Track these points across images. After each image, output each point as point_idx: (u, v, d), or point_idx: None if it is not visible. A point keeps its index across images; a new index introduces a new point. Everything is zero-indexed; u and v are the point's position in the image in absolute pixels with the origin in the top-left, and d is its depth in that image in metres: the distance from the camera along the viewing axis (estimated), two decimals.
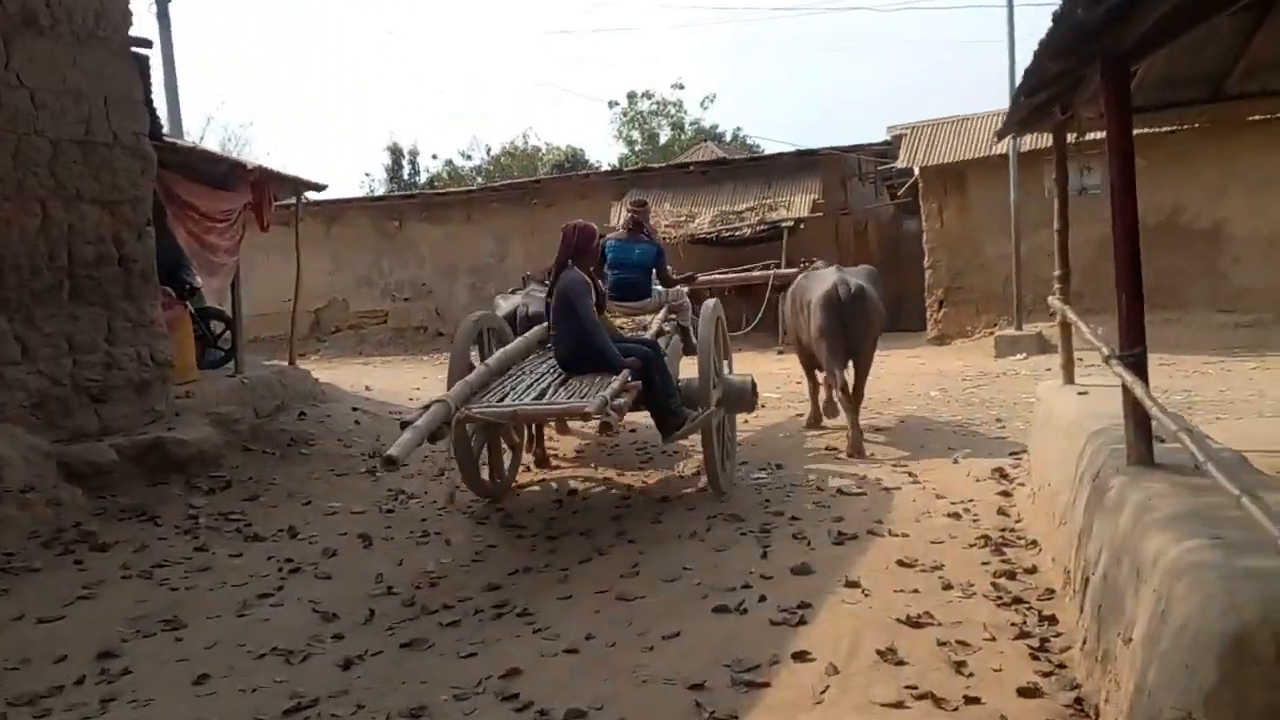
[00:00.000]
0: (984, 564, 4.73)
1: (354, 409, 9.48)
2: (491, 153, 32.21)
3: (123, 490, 6.54)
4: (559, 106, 51.91)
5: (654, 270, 8.09)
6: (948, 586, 4.43)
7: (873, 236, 17.54)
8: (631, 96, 33.71)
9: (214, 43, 55.54)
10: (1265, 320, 12.21)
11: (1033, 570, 4.59)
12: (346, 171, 73.11)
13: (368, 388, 12.17)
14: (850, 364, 7.80)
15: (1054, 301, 6.01)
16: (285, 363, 10.88)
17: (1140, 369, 3.75)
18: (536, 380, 6.25)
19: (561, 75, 61.94)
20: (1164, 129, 11.12)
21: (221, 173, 8.73)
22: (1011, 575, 4.54)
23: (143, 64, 7.37)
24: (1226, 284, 12.85)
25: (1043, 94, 4.47)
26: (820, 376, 8.32)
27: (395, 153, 30.50)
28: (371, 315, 19.38)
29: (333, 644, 4.28)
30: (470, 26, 61.71)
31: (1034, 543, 4.96)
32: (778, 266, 15.14)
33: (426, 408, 5.55)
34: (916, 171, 15.02)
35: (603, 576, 4.92)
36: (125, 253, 7.16)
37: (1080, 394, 5.63)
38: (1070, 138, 6.09)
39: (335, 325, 19.45)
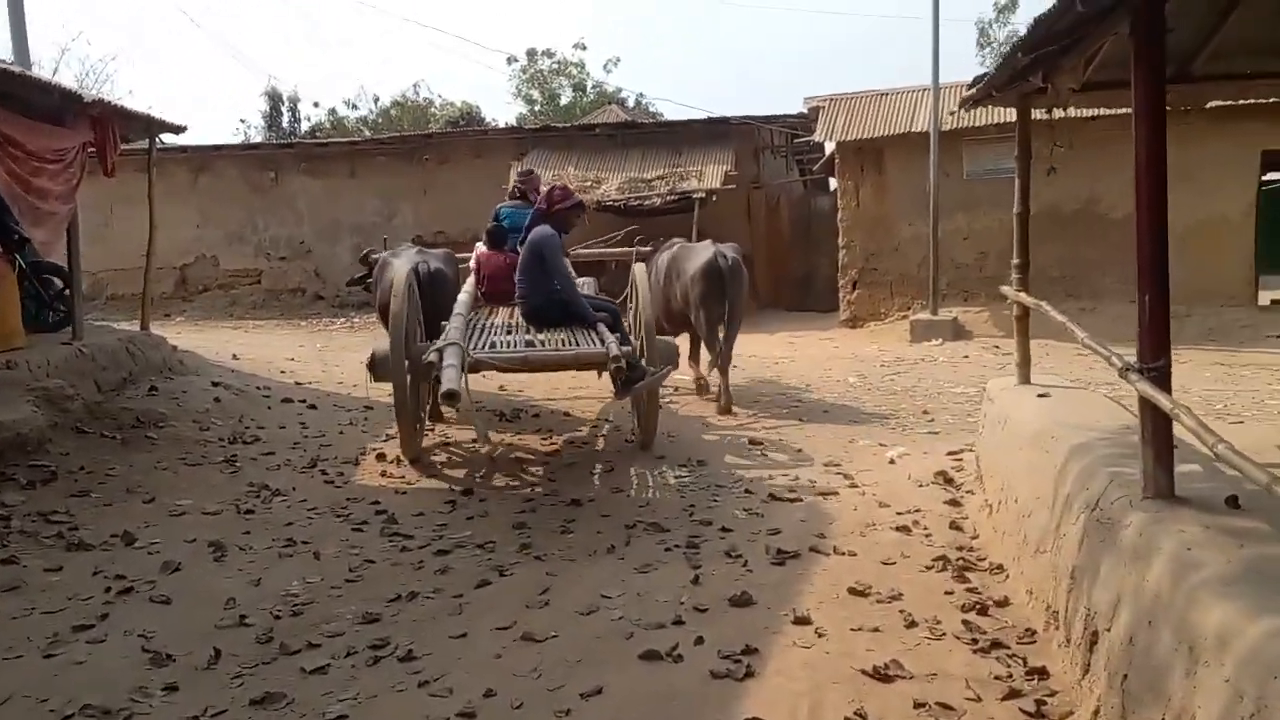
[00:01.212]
0: (947, 593, 4.12)
1: (214, 383, 8.34)
2: (380, 104, 30.41)
3: None
4: (454, 58, 49.52)
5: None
6: (912, 624, 3.79)
7: (784, 212, 17.05)
8: (531, 54, 32.43)
9: None
10: (1177, 313, 12.09)
11: (1004, 603, 4.00)
12: (220, 118, 68.83)
13: (235, 356, 10.93)
14: (723, 330, 8.24)
15: (1010, 291, 5.43)
16: (137, 327, 9.58)
17: (1165, 384, 3.14)
18: (507, 331, 6.63)
19: (458, 28, 59.25)
20: (1087, 114, 10.85)
21: (53, 105, 7.41)
22: (982, 609, 3.93)
23: None
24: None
25: (1052, 47, 3.79)
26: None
27: (274, 99, 28.35)
28: (244, 275, 17.84)
29: (162, 700, 3.39)
30: None
31: (999, 567, 4.37)
32: (687, 239, 14.41)
33: (440, 350, 5.68)
34: (832, 146, 14.49)
35: (504, 606, 4.11)
36: None
37: (1041, 396, 5.08)
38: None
39: (203, 284, 17.84)
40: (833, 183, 17.84)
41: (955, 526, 4.97)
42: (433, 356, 5.70)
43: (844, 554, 4.59)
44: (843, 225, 14.33)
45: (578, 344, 6.37)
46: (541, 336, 6.52)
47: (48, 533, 5.01)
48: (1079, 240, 12.41)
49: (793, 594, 4.14)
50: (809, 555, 4.58)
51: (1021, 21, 31.09)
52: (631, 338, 6.74)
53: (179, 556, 4.76)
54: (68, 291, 8.76)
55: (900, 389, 9.25)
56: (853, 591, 4.11)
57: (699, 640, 3.65)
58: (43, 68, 27.09)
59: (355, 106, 30.34)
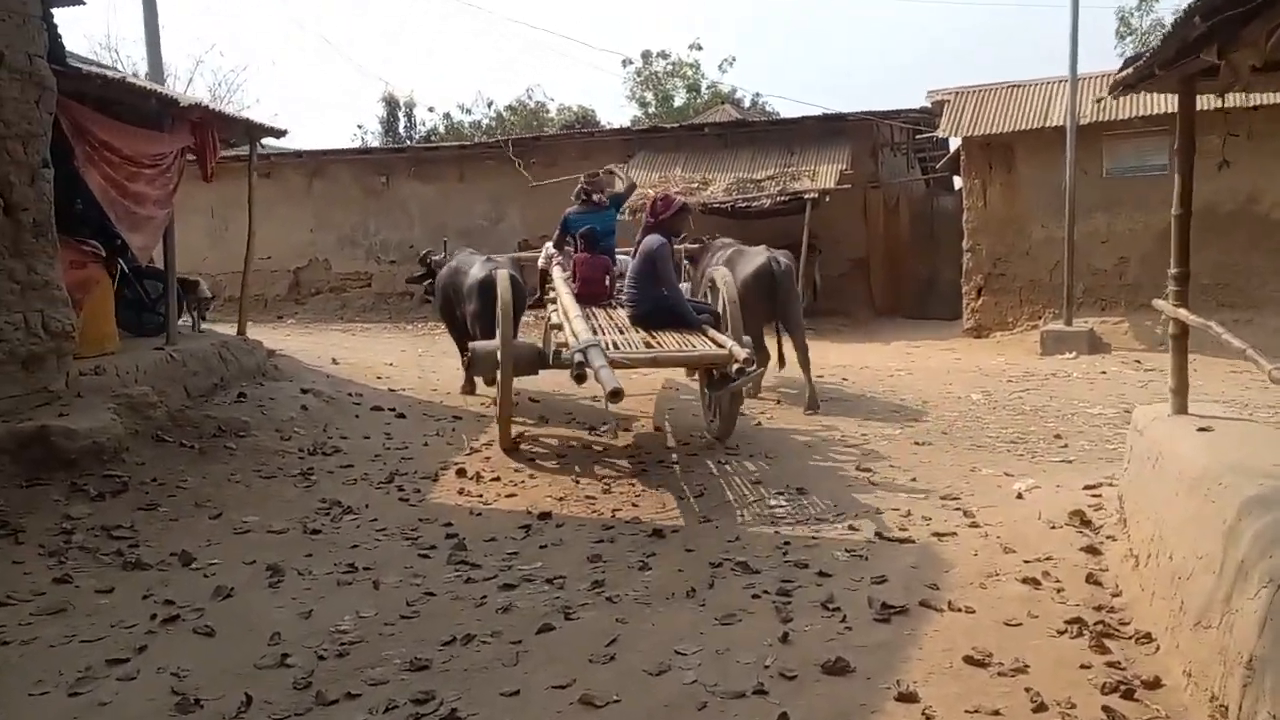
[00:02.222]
0: (1084, 667, 3.44)
1: (304, 390, 8.19)
2: (493, 108, 30.54)
3: None
4: (569, 62, 49.62)
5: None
6: (1041, 707, 3.16)
7: (904, 213, 16.15)
8: (646, 56, 32.08)
9: None
10: None
11: (1155, 685, 3.29)
12: (342, 124, 71.11)
13: (334, 361, 10.85)
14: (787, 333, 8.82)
15: (1166, 306, 4.67)
16: (235, 331, 9.57)
17: None
18: (619, 332, 6.88)
19: (574, 33, 59.51)
20: (1251, 102, 9.73)
21: (152, 110, 7.37)
22: (1128, 692, 3.24)
23: None
24: None
25: (1236, 10, 3.08)
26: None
27: (391, 105, 28.82)
28: (355, 278, 18.04)
29: None
30: None
31: (1148, 636, 3.65)
32: (801, 241, 13.77)
33: (583, 351, 5.95)
34: (958, 142, 13.58)
35: (566, 658, 3.64)
36: (13, 199, 5.85)
37: (1202, 430, 4.31)
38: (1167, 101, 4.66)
39: (316, 287, 18.13)
40: (957, 181, 16.87)
41: (1093, 580, 4.25)
42: (579, 357, 5.97)
43: (960, 610, 3.95)
44: (968, 227, 13.39)
45: (694, 345, 6.68)
46: (659, 338, 6.80)
47: (108, 549, 4.81)
48: (1235, 244, 11.20)
49: (898, 660, 3.53)
50: (919, 611, 3.96)
51: (1166, 9, 29.04)
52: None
53: (234, 580, 4.48)
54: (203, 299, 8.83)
55: (1029, 409, 8.41)
56: (970, 661, 3.48)
57: (783, 717, 3.10)
58: (178, 79, 28.35)
59: (469, 111, 30.65)
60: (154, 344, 7.81)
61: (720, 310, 7.21)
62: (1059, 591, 4.14)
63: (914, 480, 6.01)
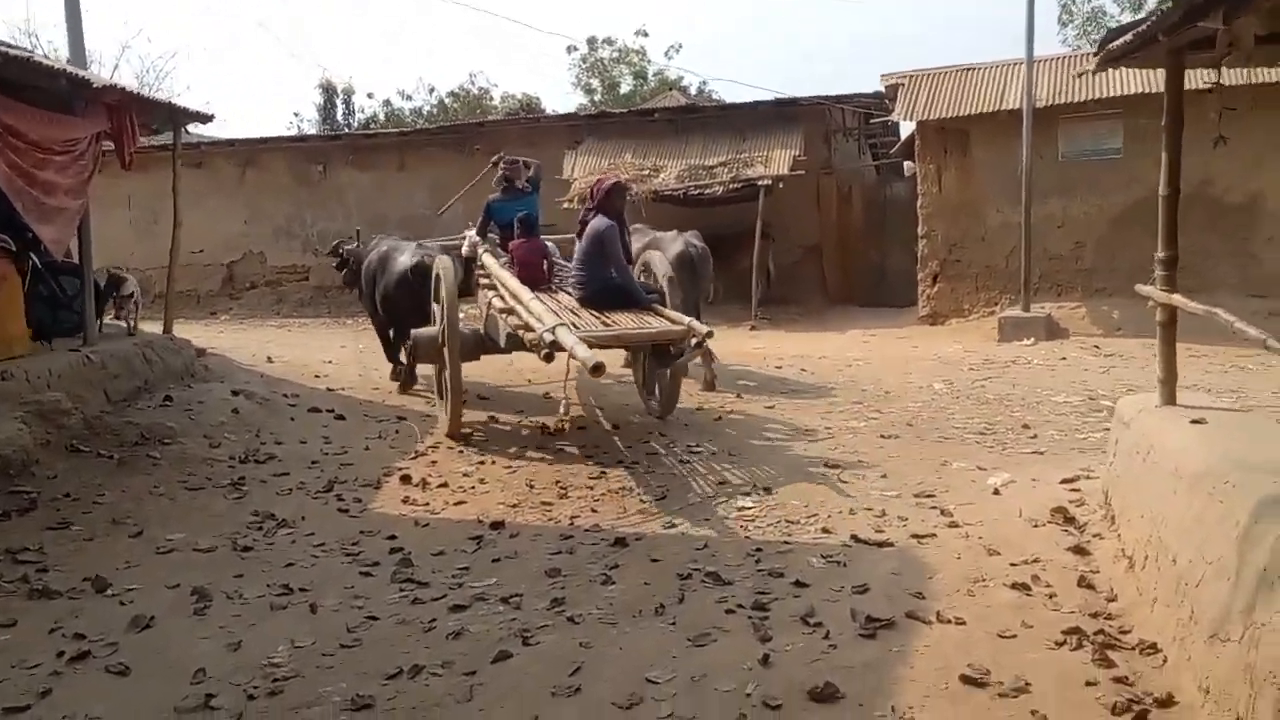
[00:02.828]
0: (1090, 684, 3.18)
1: (235, 391, 7.68)
2: (435, 94, 29.75)
3: None
4: (513, 48, 48.67)
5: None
6: None
7: (857, 200, 15.95)
8: (592, 42, 31.57)
9: None
10: None
11: (1168, 703, 3.04)
12: (275, 113, 69.28)
13: (269, 359, 10.33)
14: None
15: (1153, 291, 4.43)
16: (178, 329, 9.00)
17: None
18: (573, 313, 6.75)
19: (520, 17, 58.54)
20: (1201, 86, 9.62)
21: (62, 92, 6.80)
22: (1142, 714, 2.99)
23: None
24: (1259, 266, 11.43)
25: None
26: None
27: (328, 91, 27.94)
28: (291, 271, 17.32)
29: None
30: None
31: (1153, 647, 3.40)
32: (754, 228, 13.50)
33: (552, 330, 5.94)
34: (911, 127, 13.40)
35: (525, 691, 3.28)
36: None
37: (1196, 422, 4.08)
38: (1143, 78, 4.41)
39: (251, 281, 17.38)
40: (909, 168, 16.73)
41: (1086, 584, 3.99)
42: (549, 337, 5.95)
43: (950, 622, 3.67)
44: (923, 213, 13.21)
45: (650, 323, 6.74)
46: (612, 318, 6.79)
47: (11, 576, 4.34)
48: (1191, 226, 11.08)
49: (888, 682, 3.24)
50: (906, 624, 3.67)
51: None
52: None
53: (154, 608, 4.04)
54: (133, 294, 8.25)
55: (993, 397, 8.22)
56: (967, 680, 3.20)
57: None
58: (103, 65, 27.20)
59: (409, 98, 29.85)
60: (70, 345, 7.25)
61: (661, 290, 7.58)
62: (1051, 597, 3.88)
63: (885, 477, 5.74)
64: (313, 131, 26.56)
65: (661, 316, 6.86)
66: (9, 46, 6.61)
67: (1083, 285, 12.20)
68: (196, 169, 17.61)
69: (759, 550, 4.53)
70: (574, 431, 7.28)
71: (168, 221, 13.15)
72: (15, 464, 5.32)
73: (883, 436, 6.83)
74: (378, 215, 16.49)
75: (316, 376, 9.60)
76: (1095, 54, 4.60)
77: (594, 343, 6.11)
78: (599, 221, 7.14)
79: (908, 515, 4.98)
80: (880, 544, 4.56)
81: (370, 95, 29.95)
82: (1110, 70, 4.83)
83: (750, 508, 5.24)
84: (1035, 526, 4.72)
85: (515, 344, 6.85)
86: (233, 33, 57.34)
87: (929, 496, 5.31)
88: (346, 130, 25.65)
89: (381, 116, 28.68)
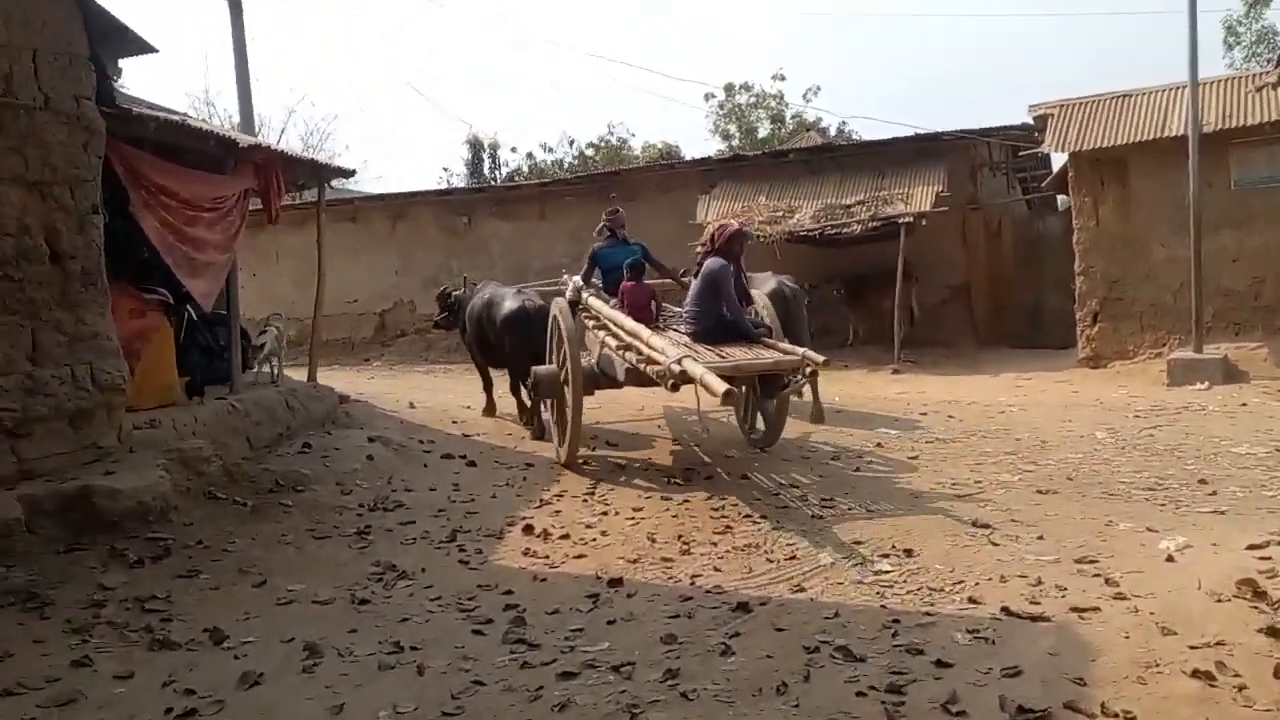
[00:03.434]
0: None
1: (371, 438, 7.80)
2: (575, 145, 30.39)
3: (26, 557, 4.97)
4: (652, 99, 49.41)
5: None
6: None
7: (1006, 236, 15.17)
8: (729, 89, 31.61)
9: (299, 35, 55.45)
10: None
11: None
12: (429, 169, 72.57)
13: (411, 405, 10.55)
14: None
15: None
16: (323, 377, 9.30)
17: None
18: (686, 347, 6.97)
19: (657, 68, 59.44)
20: None
21: (212, 152, 7.14)
22: None
23: (90, 10, 5.78)
24: None
25: None
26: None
27: (475, 147, 28.99)
28: None
29: None
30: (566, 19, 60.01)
31: None
32: (896, 268, 12.99)
33: (679, 362, 6.30)
34: (1062, 159, 12.64)
35: None
36: (60, 247, 5.62)
37: None
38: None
39: (401, 329, 18.02)
40: (1062, 201, 15.84)
41: None
42: (676, 368, 6.29)
43: (1116, 716, 3.19)
44: (1079, 248, 12.38)
45: (764, 355, 7.04)
46: (725, 351, 7.08)
47: (137, 624, 4.40)
48: None
49: None
50: (1064, 716, 3.22)
51: (1276, 16, 27.41)
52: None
53: (266, 663, 4.00)
54: (265, 345, 8.60)
55: (1163, 448, 7.46)
56: None
57: None
58: (271, 129, 29.11)
59: (551, 150, 30.59)
60: (219, 393, 7.54)
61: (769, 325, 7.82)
62: (1241, 690, 3.33)
63: (1041, 539, 5.20)
64: (461, 185, 27.56)
65: (773, 348, 7.18)
66: (162, 111, 7.00)
67: (1264, 324, 11.12)
68: (351, 223, 18.50)
69: (896, 621, 4.13)
70: (700, 481, 7.02)
71: (327, 274, 13.82)
72: (154, 511, 5.46)
73: (1039, 492, 6.27)
74: (520, 264, 16.83)
75: (454, 422, 9.72)
76: (1278, 66, 4.08)
77: (725, 374, 6.28)
78: (713, 262, 7.51)
79: (1067, 584, 4.46)
80: (1035, 618, 4.08)
81: (514, 149, 30.94)
82: None
83: (888, 571, 4.83)
84: (1218, 601, 4.12)
85: (635, 378, 7.34)
86: (389, 94, 60.72)
87: (1092, 562, 4.76)
88: (491, 183, 26.49)
89: (525, 169, 29.51)
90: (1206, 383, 10.21)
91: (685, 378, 6.24)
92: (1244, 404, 9.31)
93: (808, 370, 6.90)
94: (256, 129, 25.81)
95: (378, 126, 56.52)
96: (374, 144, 59.63)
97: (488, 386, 10.23)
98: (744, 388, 7.61)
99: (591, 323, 8.29)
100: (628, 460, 7.98)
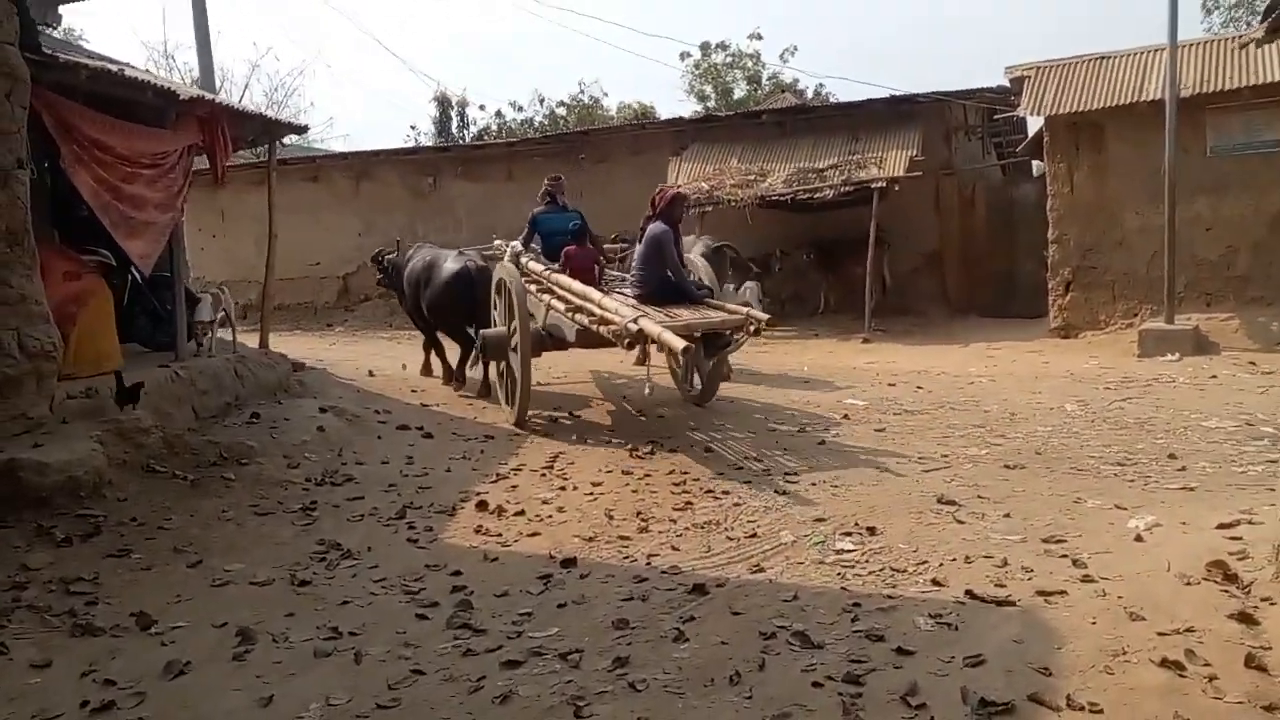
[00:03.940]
0: None
1: (323, 408, 7.54)
2: (546, 104, 29.71)
3: None
4: (626, 57, 48.46)
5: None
6: None
7: (980, 202, 14.98)
8: (705, 48, 31.11)
9: None
10: None
11: None
12: (397, 126, 71.35)
13: (371, 373, 10.28)
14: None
15: None
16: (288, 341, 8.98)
17: None
18: (635, 308, 7.24)
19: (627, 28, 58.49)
20: None
21: (153, 105, 6.77)
22: None
23: None
24: None
25: None
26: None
27: (443, 104, 28.31)
28: None
29: None
30: None
31: None
32: (868, 234, 12.81)
33: (635, 320, 6.73)
34: (1038, 124, 12.45)
35: None
36: None
37: None
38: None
39: (365, 293, 17.59)
40: (1037, 167, 15.69)
41: (1256, 664, 3.28)
42: (633, 327, 6.68)
43: (1083, 709, 3.05)
44: (1053, 215, 12.22)
45: (711, 314, 7.36)
46: (672, 311, 7.27)
47: (60, 608, 4.16)
48: None
49: None
50: (1028, 709, 3.07)
51: None
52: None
53: (194, 651, 3.78)
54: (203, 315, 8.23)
55: (1133, 421, 7.35)
56: None
57: None
58: (234, 84, 28.34)
59: (521, 109, 29.94)
60: (158, 361, 7.23)
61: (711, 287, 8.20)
62: (1211, 681, 3.20)
63: (1008, 516, 5.06)
64: (429, 145, 26.98)
65: (718, 308, 7.56)
66: (94, 59, 6.61)
67: (1235, 294, 11.04)
68: (312, 182, 18.03)
69: (857, 605, 3.96)
70: (665, 454, 6.83)
71: (287, 235, 13.40)
72: (86, 485, 5.19)
73: (1007, 466, 6.12)
74: (487, 225, 16.42)
75: (413, 391, 9.47)
76: (1264, 20, 3.88)
77: (679, 331, 6.63)
78: (656, 227, 7.76)
79: (1033, 566, 4.31)
80: (1000, 602, 3.93)
81: (482, 107, 30.24)
82: (1270, 46, 4.10)
83: (850, 551, 4.66)
84: (1188, 584, 3.99)
85: (586, 339, 7.60)
86: (356, 50, 59.39)
87: (1059, 542, 4.62)
88: (458, 143, 25.92)
89: (494, 128, 28.89)
90: (1177, 354, 10.13)
91: (642, 336, 6.63)
92: (1214, 376, 9.22)
93: (751, 328, 7.15)
94: (218, 84, 25.12)
95: (345, 84, 55.35)
96: (341, 102, 58.46)
97: (439, 351, 10.24)
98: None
99: (534, 286, 8.35)
100: (574, 419, 8.25)
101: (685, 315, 7.21)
